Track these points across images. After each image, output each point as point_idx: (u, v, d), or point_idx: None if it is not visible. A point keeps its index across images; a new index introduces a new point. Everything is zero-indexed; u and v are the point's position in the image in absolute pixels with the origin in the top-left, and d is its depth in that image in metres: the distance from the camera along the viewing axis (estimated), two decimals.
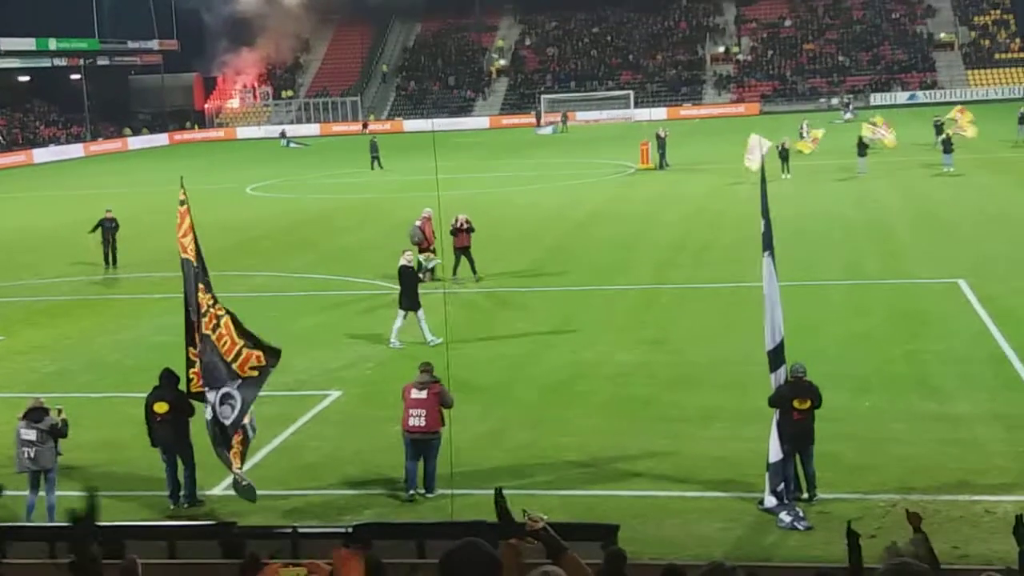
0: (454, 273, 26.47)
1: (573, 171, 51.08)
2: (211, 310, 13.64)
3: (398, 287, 21.37)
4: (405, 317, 20.95)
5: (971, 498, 12.91)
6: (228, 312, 13.74)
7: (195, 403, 13.94)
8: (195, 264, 13.79)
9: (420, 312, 20.90)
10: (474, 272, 26.45)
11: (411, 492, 13.70)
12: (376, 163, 55.22)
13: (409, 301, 20.98)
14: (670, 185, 43.54)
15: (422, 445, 13.67)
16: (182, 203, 13.94)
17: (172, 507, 13.93)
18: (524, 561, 4.95)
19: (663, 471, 14.37)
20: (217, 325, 13.58)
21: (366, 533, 10.77)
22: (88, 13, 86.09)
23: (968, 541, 11.71)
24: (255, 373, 13.57)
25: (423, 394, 13.65)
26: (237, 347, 13.53)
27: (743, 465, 13.98)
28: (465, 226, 26.35)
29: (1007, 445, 14.64)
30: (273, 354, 13.72)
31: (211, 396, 13.38)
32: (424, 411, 13.57)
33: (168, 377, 14.24)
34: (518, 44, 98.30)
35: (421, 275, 21.38)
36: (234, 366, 13.47)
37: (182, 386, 14.08)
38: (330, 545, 9.68)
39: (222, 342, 13.54)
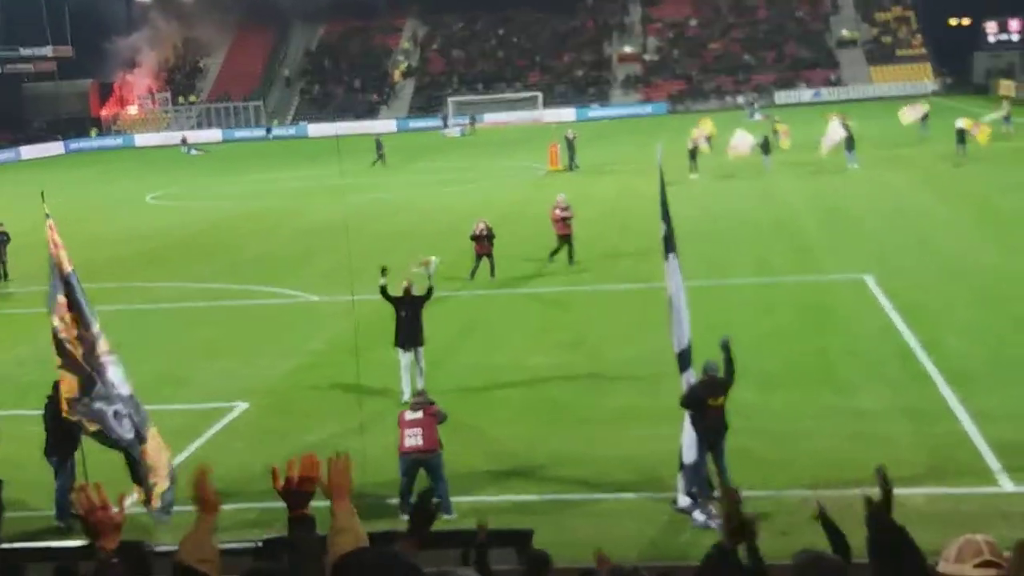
0: (472, 276, 26.32)
1: (482, 174, 50.93)
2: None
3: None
4: (406, 356, 17.95)
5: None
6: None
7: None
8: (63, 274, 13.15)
9: (420, 352, 18.02)
10: (492, 274, 26.42)
11: (406, 516, 13.20)
12: (380, 160, 56.24)
13: (403, 336, 17.89)
14: (579, 187, 43.53)
15: (420, 465, 13.28)
16: (48, 216, 13.41)
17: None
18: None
19: (578, 474, 14.27)
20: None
21: (276, 548, 10.48)
22: None
23: None
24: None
25: (418, 414, 13.34)
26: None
27: (657, 466, 13.93)
28: (485, 232, 26.44)
29: (914, 438, 14.81)
30: (86, 387, 12.90)
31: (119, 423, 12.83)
32: (420, 430, 13.22)
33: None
34: (424, 46, 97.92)
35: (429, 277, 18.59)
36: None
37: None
38: (240, 561, 9.37)
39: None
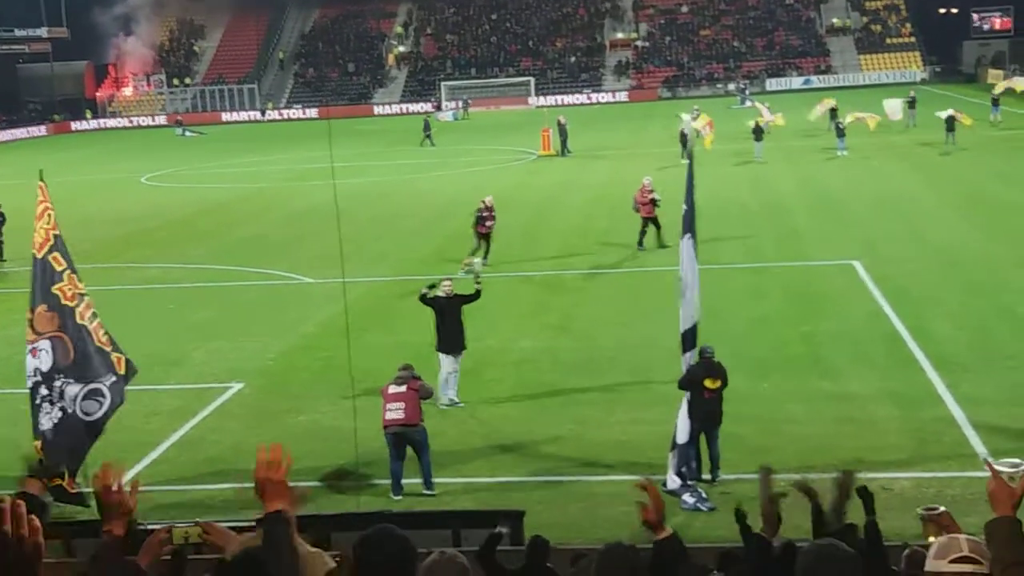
0: (473, 256, 26.42)
1: (474, 158, 50.99)
2: (86, 299, 13.55)
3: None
4: (448, 361, 16.89)
5: (868, 475, 13.11)
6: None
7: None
8: (42, 256, 13.48)
9: (459, 358, 17.00)
10: (485, 256, 26.25)
11: (399, 497, 13.34)
12: (428, 140, 56.62)
13: (447, 342, 16.91)
14: (571, 172, 43.70)
15: (404, 439, 13.40)
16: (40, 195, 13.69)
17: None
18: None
19: (568, 456, 14.44)
20: (94, 316, 13.54)
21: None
22: None
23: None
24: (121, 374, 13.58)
25: (402, 388, 13.48)
26: (109, 346, 13.56)
27: (647, 448, 14.10)
28: (488, 215, 26.49)
29: (901, 422, 14.99)
30: (131, 367, 13.77)
31: (73, 389, 13.14)
32: (403, 403, 13.37)
33: None
34: (417, 30, 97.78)
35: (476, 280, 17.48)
36: (111, 358, 13.41)
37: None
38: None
39: (99, 334, 13.47)
